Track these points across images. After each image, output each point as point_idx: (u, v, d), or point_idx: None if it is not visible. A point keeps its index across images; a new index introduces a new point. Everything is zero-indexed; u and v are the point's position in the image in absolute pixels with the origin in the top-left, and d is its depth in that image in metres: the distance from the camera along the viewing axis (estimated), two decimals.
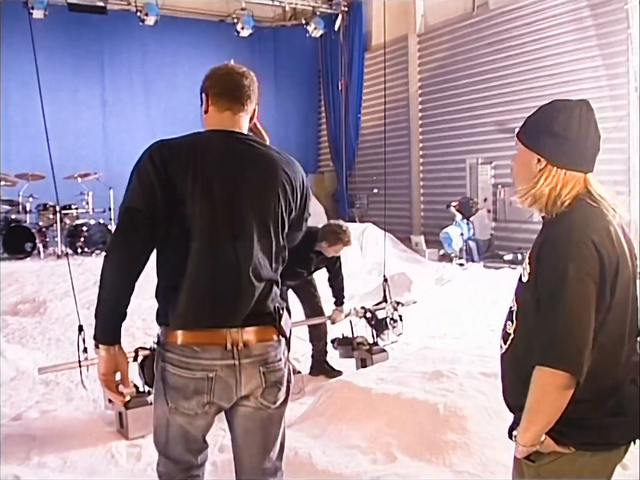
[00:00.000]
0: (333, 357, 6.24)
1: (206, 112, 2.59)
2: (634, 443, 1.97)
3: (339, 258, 5.99)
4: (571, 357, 1.76)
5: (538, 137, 1.92)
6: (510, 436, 2.06)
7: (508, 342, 2.00)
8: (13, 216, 11.48)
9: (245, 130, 2.53)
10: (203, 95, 2.60)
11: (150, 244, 2.31)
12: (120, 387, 2.39)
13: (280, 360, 2.47)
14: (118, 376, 2.40)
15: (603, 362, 1.83)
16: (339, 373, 5.89)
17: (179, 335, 2.34)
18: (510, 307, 2.01)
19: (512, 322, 1.98)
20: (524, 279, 1.93)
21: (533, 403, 1.83)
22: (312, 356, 6.17)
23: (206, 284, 2.31)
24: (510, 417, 4.08)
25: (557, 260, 1.78)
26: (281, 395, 2.51)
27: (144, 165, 2.36)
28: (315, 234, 5.57)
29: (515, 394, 2.00)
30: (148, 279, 8.09)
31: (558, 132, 1.88)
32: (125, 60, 16.83)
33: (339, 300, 6.09)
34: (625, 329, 1.89)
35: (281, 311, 2.44)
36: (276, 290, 2.44)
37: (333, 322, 6.04)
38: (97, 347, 2.38)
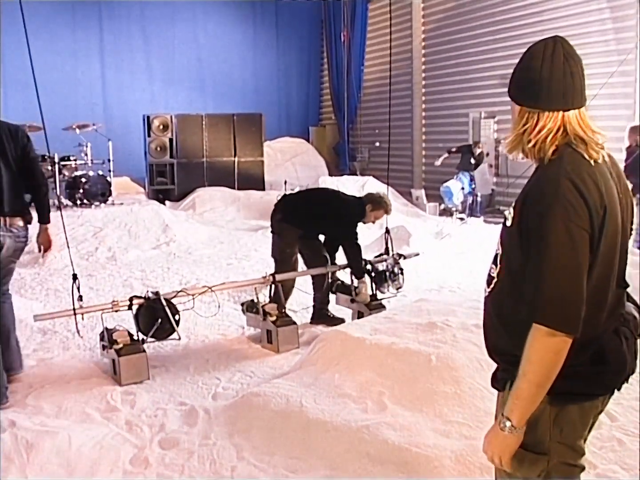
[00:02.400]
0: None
1: None
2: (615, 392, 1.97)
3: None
4: (554, 309, 1.72)
5: (511, 85, 1.93)
6: (492, 385, 2.05)
7: (492, 285, 1.98)
8: None
9: None
10: None
11: None
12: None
13: None
14: None
15: (587, 311, 1.76)
16: (341, 320, 5.93)
17: None
18: (496, 251, 2.00)
19: (496, 265, 1.97)
20: (508, 224, 1.90)
21: (525, 372, 1.77)
22: (314, 305, 6.20)
23: None
24: None
25: (544, 208, 1.74)
26: None
27: None
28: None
29: (495, 336, 1.99)
30: (147, 231, 8.04)
31: (522, 76, 1.88)
32: (124, 10, 16.59)
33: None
34: (611, 279, 1.85)
35: None
36: None
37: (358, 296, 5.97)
38: None
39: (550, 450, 1.87)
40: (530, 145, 1.87)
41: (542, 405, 1.81)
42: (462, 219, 12.65)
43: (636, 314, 1.99)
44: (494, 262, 1.99)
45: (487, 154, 13.36)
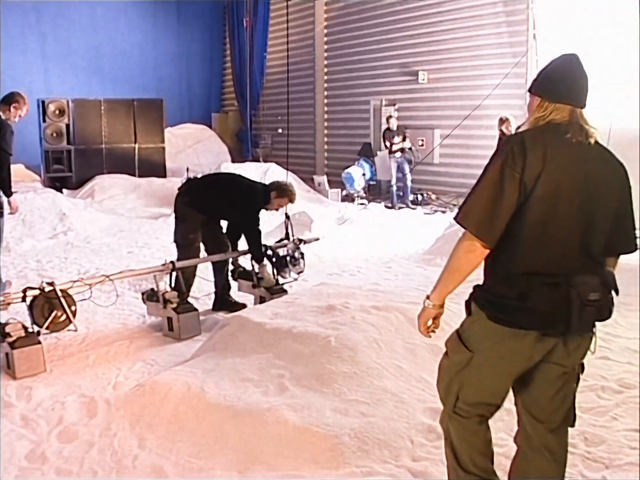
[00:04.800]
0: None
1: None
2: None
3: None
4: (473, 216, 2.26)
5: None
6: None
7: None
8: None
9: None
10: None
11: None
12: None
13: None
14: None
15: (519, 252, 2.26)
16: (243, 306, 5.95)
17: None
18: None
19: None
20: None
21: (446, 264, 2.37)
22: (215, 292, 6.19)
23: None
24: (399, 348, 4.24)
25: (497, 152, 2.31)
26: None
27: None
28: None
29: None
30: (43, 220, 7.79)
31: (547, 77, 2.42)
32: None
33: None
34: (548, 237, 2.25)
35: None
36: None
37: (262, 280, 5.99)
38: None
39: (475, 352, 2.39)
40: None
41: (481, 317, 2.36)
42: (362, 204, 12.89)
43: (611, 297, 2.34)
44: None
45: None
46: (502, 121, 9.66)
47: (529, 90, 2.46)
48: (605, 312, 2.32)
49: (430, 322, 2.49)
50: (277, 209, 6.17)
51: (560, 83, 2.35)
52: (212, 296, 6.21)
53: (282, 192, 6.00)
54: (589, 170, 2.30)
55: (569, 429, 2.58)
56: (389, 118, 12.84)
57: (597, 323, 2.40)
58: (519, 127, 2.54)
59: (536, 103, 2.39)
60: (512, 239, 2.26)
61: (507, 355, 2.35)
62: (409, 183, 12.66)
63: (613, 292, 2.35)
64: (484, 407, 2.51)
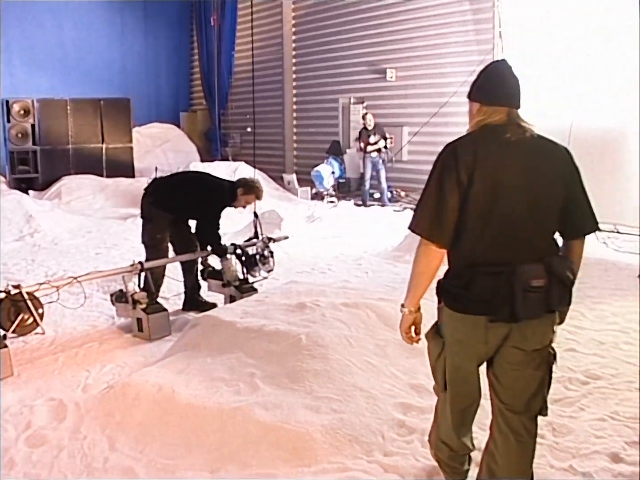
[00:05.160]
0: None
1: None
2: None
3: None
4: (423, 223, 2.48)
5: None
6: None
7: None
8: None
9: None
10: None
11: None
12: None
13: None
14: None
15: (464, 246, 2.46)
16: (214, 305, 5.94)
17: None
18: None
19: None
20: None
21: (411, 271, 2.59)
22: (185, 292, 6.16)
23: None
24: (370, 345, 4.27)
25: (434, 165, 2.54)
26: None
27: None
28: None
29: None
30: (8, 222, 7.69)
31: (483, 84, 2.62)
32: None
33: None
34: (488, 229, 2.43)
35: None
36: None
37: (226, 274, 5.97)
38: None
39: (445, 336, 2.61)
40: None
41: (443, 306, 2.59)
42: (332, 202, 12.92)
43: (566, 284, 2.44)
44: None
45: (357, 139, 13.48)
46: None
47: (468, 97, 2.66)
48: (554, 299, 2.41)
49: (412, 329, 2.66)
50: (244, 206, 6.14)
51: (496, 88, 2.56)
52: (182, 296, 6.18)
53: (248, 189, 5.96)
54: (529, 164, 2.46)
55: (539, 420, 2.65)
56: (364, 116, 12.55)
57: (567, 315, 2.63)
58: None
59: (475, 108, 2.59)
60: (458, 234, 2.46)
61: (465, 340, 2.55)
62: (384, 182, 12.59)
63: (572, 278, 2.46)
64: (467, 398, 2.72)
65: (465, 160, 2.42)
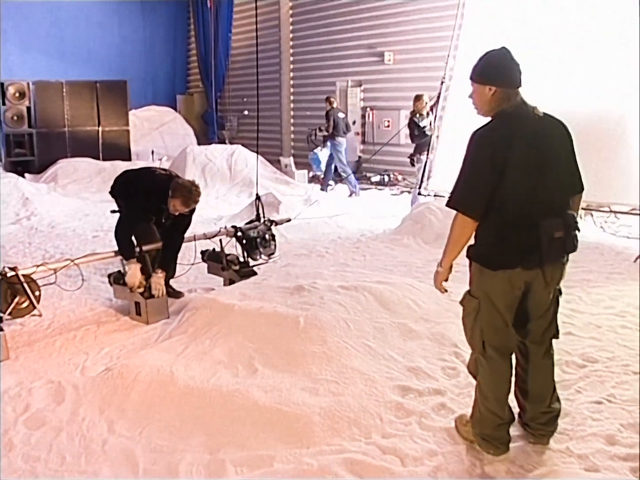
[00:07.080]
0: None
1: None
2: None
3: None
4: (464, 200, 2.86)
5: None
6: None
7: None
8: None
9: None
10: None
11: None
12: None
13: None
14: None
15: (499, 212, 2.82)
16: (180, 294, 5.82)
17: None
18: None
19: None
20: None
21: (448, 238, 2.97)
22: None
23: None
24: (368, 328, 4.28)
25: (470, 143, 2.87)
26: None
27: None
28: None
29: None
30: (5, 205, 7.63)
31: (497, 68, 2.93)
32: None
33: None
34: (520, 197, 2.82)
35: None
36: None
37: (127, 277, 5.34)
38: None
39: (479, 296, 2.98)
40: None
41: (476, 268, 2.97)
42: (329, 185, 12.87)
43: (574, 234, 2.91)
44: None
45: (354, 122, 13.55)
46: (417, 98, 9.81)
47: (478, 82, 2.92)
48: (569, 246, 2.93)
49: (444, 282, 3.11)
50: (174, 211, 5.30)
51: (513, 72, 2.89)
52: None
53: (174, 193, 5.19)
54: (547, 136, 2.88)
55: None
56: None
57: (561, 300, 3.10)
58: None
59: (490, 92, 2.88)
60: (494, 205, 2.83)
61: (501, 292, 2.93)
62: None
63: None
64: (504, 348, 3.06)
65: (500, 144, 2.79)
